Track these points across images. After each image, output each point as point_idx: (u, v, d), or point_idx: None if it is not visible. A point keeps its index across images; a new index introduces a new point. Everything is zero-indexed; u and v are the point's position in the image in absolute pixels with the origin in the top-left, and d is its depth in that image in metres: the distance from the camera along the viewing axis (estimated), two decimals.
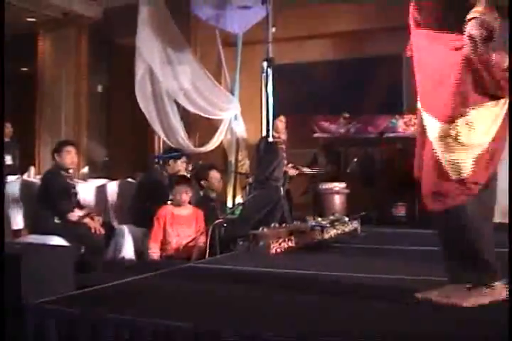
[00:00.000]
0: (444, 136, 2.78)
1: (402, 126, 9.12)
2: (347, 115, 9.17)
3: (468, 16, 2.59)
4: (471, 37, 2.57)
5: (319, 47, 9.74)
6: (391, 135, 8.96)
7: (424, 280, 3.41)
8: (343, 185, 7.85)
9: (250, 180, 7.74)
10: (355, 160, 8.79)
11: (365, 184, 8.37)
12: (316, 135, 9.32)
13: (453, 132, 2.75)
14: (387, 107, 9.30)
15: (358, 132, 9.21)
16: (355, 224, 6.12)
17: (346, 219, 6.10)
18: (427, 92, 2.91)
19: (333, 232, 5.63)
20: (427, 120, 2.88)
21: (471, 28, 2.57)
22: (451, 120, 2.75)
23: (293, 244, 5.04)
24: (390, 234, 6.66)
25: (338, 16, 9.32)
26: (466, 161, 2.77)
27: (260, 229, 5.00)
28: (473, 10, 2.58)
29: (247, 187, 7.82)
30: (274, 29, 7.81)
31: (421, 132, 2.94)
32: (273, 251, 4.79)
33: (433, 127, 2.83)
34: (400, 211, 7.94)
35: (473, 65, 2.64)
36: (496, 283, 2.80)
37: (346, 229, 5.92)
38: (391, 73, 9.35)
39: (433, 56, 2.82)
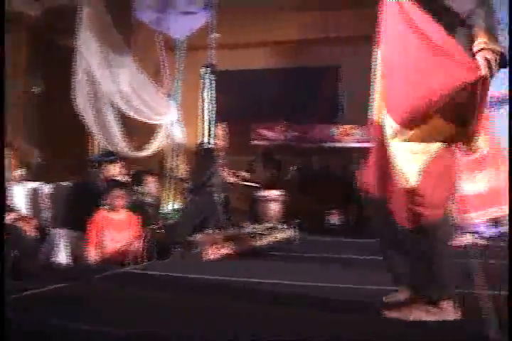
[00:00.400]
0: (401, 139, 2.81)
1: (340, 135, 9.24)
2: (286, 123, 9.25)
3: (477, 47, 2.64)
4: (486, 59, 2.61)
5: (262, 55, 9.79)
6: (329, 144, 9.08)
7: (363, 289, 3.47)
8: (280, 192, 7.90)
9: (187, 185, 7.71)
10: (293, 168, 8.85)
11: (302, 192, 8.44)
12: (254, 142, 9.36)
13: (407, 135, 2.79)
14: (327, 117, 9.42)
15: (296, 140, 9.29)
16: (291, 232, 6.16)
17: (282, 226, 6.14)
18: (400, 96, 2.88)
19: (269, 239, 5.66)
20: (391, 124, 2.89)
21: (485, 54, 2.61)
22: (411, 124, 2.77)
23: (229, 251, 5.05)
24: (325, 241, 6.73)
25: (281, 25, 9.39)
26: (413, 168, 2.80)
27: (196, 235, 4.99)
28: (479, 41, 2.64)
29: (184, 193, 7.79)
30: (217, 35, 7.85)
31: (380, 141, 2.94)
32: (209, 257, 4.79)
33: (394, 130, 2.85)
34: (336, 219, 8.05)
35: (484, 86, 2.62)
36: (447, 302, 2.82)
37: (282, 236, 5.96)
38: (331, 83, 9.49)
39: (430, 64, 2.75)
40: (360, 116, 8.47)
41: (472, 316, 2.68)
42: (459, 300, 2.79)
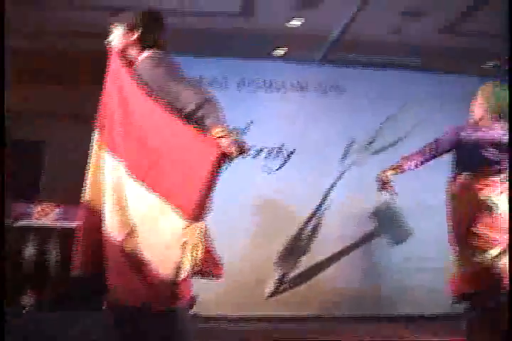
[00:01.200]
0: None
1: (37, 213, 9.00)
2: None
3: (219, 135, 2.74)
4: (226, 142, 2.71)
5: None
6: (26, 222, 8.78)
7: None
8: None
9: None
10: None
11: None
12: None
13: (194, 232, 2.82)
14: (26, 193, 9.14)
15: None
16: None
17: None
18: (175, 183, 2.91)
19: None
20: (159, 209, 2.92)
21: (224, 139, 2.72)
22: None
23: None
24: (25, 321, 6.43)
25: None
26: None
27: None
28: (216, 131, 2.76)
29: None
30: None
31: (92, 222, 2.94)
32: None
33: (170, 222, 2.88)
34: (31, 299, 7.74)
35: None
36: None
37: None
38: (31, 158, 9.27)
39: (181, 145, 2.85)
40: (62, 194, 8.37)
41: None
42: None
